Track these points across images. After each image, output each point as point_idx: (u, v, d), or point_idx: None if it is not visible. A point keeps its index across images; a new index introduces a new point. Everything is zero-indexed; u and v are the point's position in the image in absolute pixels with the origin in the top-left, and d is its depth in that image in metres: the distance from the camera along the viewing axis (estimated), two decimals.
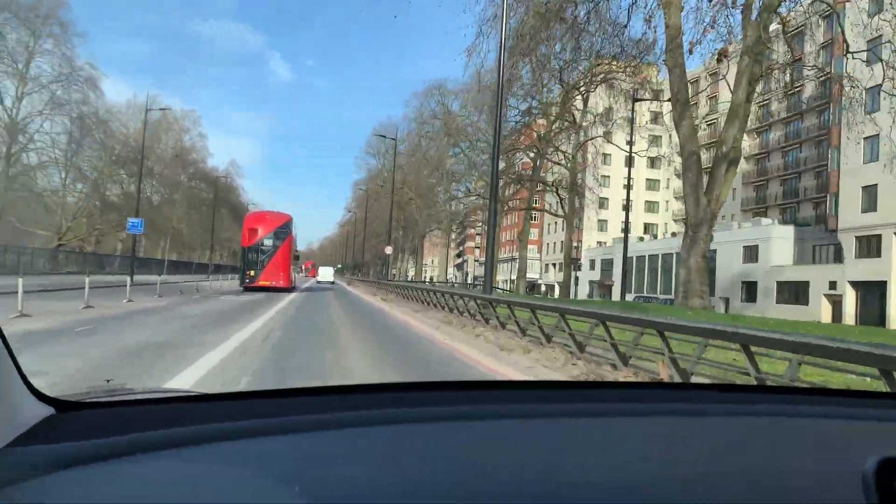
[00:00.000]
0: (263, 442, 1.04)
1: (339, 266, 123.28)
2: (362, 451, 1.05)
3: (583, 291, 71.77)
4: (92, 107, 52.59)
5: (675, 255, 44.09)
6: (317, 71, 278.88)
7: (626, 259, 37.93)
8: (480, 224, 67.56)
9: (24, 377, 1.03)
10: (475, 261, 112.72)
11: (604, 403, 1.40)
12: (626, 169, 38.52)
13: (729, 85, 27.05)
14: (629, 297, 49.99)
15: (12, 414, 0.97)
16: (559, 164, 51.21)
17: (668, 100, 28.21)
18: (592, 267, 73.51)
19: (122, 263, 53.10)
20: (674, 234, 65.37)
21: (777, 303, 44.33)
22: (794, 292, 44.13)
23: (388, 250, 53.33)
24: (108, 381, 1.64)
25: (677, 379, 8.49)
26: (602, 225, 77.36)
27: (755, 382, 7.03)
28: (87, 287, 18.63)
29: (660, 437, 1.24)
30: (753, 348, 7.35)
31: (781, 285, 45.34)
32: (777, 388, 4.30)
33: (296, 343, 12.37)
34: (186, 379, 7.70)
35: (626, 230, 39.24)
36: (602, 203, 66.21)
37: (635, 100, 38.14)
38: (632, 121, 38.50)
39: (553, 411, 1.31)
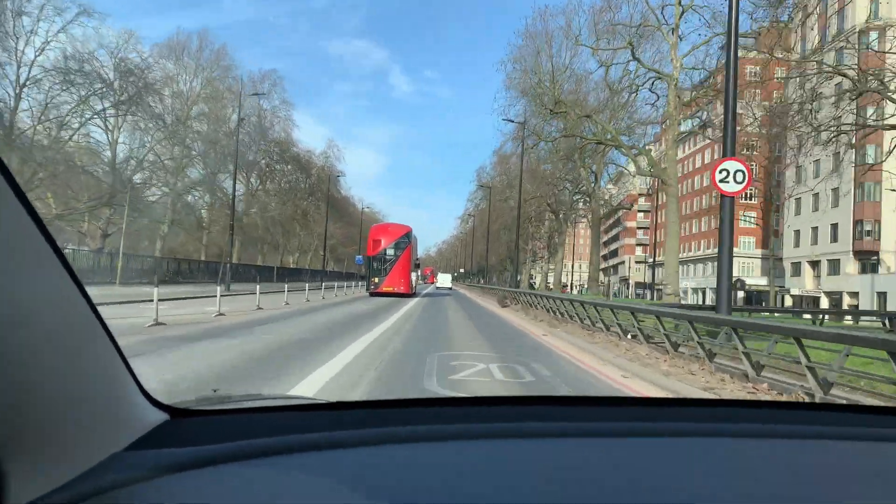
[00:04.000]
0: (363, 452, 1.07)
1: (455, 274, 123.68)
2: (458, 464, 1.06)
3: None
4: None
5: None
6: (435, 80, 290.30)
7: None
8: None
9: (140, 385, 1.09)
10: (638, 262, 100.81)
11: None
12: None
13: None
14: None
15: (130, 419, 1.05)
16: None
17: None
18: None
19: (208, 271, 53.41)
20: None
21: None
22: None
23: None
24: (214, 390, 1.92)
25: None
26: None
27: None
28: (217, 296, 19.69)
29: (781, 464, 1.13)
30: None
31: None
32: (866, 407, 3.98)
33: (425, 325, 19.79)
34: (377, 331, 15.85)
35: None
36: None
37: None
38: None
39: (683, 430, 1.26)
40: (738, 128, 18.04)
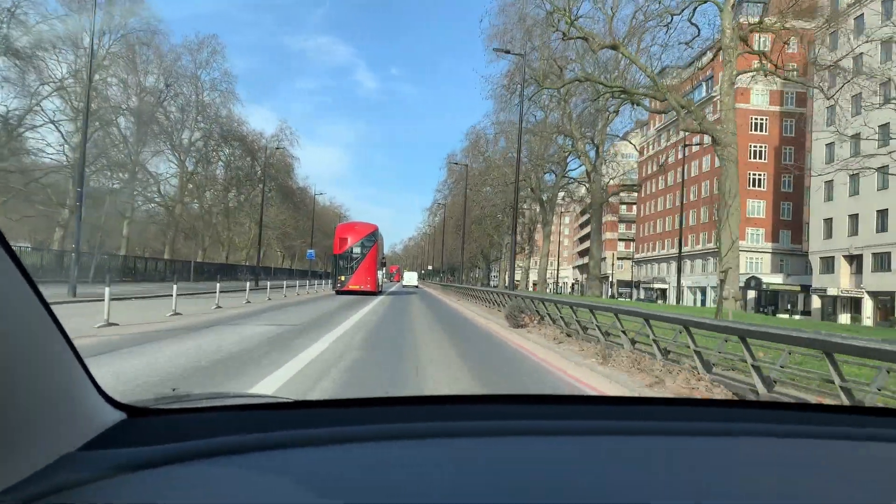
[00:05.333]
0: (323, 451, 1.05)
1: (423, 272, 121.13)
2: (421, 463, 1.05)
3: None
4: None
5: None
6: (401, 78, 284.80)
7: None
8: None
9: (95, 384, 1.06)
10: (620, 259, 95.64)
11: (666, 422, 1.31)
12: None
13: None
14: None
15: (85, 419, 1.01)
16: None
17: None
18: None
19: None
20: None
21: None
22: None
23: None
24: (173, 389, 1.65)
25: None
26: None
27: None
28: (217, 294, 21.47)
29: (692, 457, 1.15)
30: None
31: None
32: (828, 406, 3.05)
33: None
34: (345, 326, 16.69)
35: None
36: None
37: None
38: None
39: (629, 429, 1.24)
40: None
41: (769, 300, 59.25)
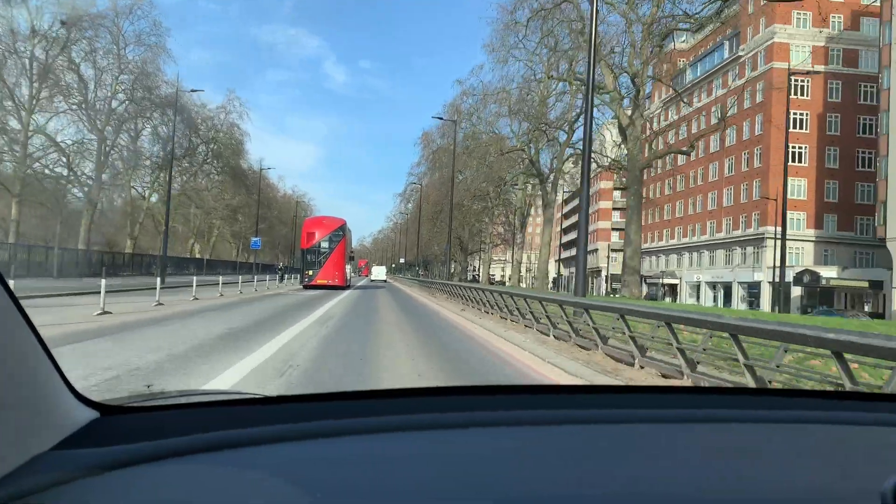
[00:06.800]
0: (295, 446, 1.05)
1: (393, 265, 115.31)
2: (375, 457, 1.06)
3: None
4: None
5: None
6: (372, 71, 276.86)
7: None
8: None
9: (67, 382, 1.05)
10: (614, 251, 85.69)
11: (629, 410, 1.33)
12: None
13: None
14: None
15: (57, 418, 1.00)
16: None
17: None
18: None
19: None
20: None
21: None
22: None
23: None
24: (147, 386, 2.18)
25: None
26: None
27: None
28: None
29: (656, 445, 1.18)
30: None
31: None
32: (793, 391, 3.36)
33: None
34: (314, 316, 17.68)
35: None
36: None
37: None
38: None
39: (593, 417, 1.27)
40: None
41: (822, 297, 49.39)
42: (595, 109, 40.85)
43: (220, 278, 30.72)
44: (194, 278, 25.61)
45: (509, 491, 0.95)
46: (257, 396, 1.32)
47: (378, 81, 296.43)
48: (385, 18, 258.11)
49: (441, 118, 48.54)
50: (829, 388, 6.64)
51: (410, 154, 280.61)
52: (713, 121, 53.61)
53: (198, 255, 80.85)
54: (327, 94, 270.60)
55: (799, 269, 49.70)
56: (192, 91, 44.92)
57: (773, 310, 51.61)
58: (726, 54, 61.14)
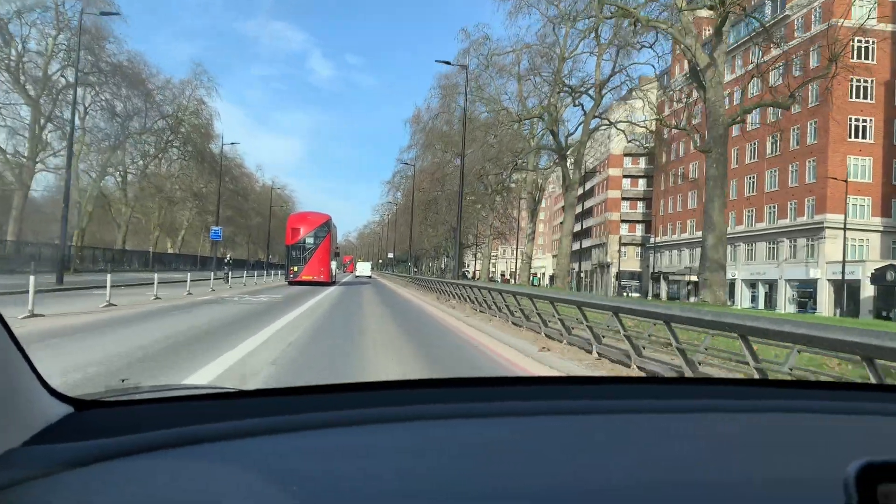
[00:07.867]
0: (275, 440, 1.05)
1: (380, 261, 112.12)
2: (356, 449, 1.05)
3: None
4: None
5: None
6: (358, 67, 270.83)
7: None
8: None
9: (40, 377, 1.04)
10: (625, 244, 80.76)
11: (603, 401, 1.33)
12: None
13: None
14: None
15: (30, 413, 0.99)
16: None
17: None
18: None
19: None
20: None
21: None
22: None
23: None
24: (123, 380, 1.67)
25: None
26: None
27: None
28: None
29: (629, 435, 1.19)
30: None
31: None
32: (755, 381, 3.50)
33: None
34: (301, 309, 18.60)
35: None
36: None
37: None
38: None
39: (575, 408, 1.27)
40: None
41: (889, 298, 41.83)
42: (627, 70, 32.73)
43: (156, 276, 23.89)
44: (108, 276, 18.51)
45: (498, 483, 0.94)
46: (238, 390, 1.30)
47: (364, 77, 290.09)
48: (371, 13, 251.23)
49: (448, 62, 40.40)
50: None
51: (396, 150, 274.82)
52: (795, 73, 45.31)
53: (170, 251, 72.98)
54: (313, 89, 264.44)
55: (878, 266, 42.05)
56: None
57: (834, 313, 44.18)
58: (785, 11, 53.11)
